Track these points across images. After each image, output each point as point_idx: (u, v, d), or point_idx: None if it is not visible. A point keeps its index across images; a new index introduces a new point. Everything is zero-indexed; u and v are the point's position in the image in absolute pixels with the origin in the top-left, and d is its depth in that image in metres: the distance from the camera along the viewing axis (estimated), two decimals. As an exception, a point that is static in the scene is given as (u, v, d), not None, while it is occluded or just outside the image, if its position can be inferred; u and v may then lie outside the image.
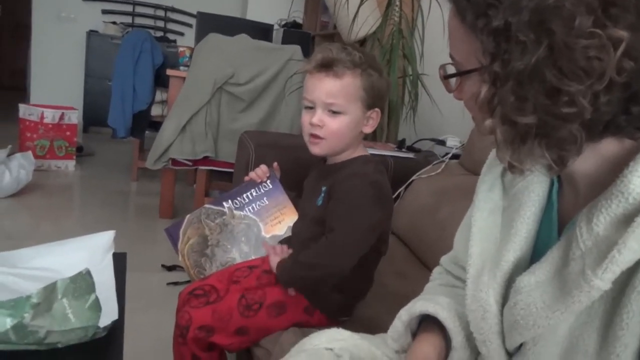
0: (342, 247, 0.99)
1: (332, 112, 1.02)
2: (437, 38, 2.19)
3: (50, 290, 0.69)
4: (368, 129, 1.06)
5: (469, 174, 1.57)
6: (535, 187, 0.62)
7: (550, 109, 0.48)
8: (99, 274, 0.80)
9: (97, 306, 0.72)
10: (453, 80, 0.59)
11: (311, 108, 1.03)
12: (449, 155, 1.74)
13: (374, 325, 0.89)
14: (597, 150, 0.53)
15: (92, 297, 0.71)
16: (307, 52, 2.77)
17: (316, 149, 1.06)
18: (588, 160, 0.54)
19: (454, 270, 0.81)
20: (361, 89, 1.01)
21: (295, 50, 2.61)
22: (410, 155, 1.86)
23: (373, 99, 1.03)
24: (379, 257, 1.12)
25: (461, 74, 0.56)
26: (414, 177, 1.68)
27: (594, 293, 0.49)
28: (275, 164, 1.30)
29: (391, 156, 1.76)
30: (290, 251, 1.12)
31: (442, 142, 1.92)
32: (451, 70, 0.59)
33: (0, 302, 0.66)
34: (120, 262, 1.00)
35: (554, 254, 0.55)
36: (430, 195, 1.55)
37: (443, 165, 1.67)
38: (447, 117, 2.24)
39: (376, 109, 1.05)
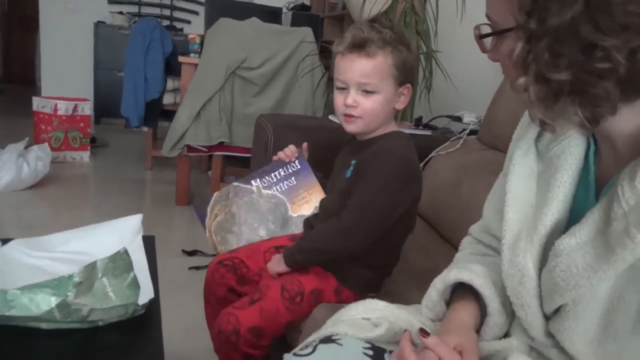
0: (352, 229, 1.00)
1: (366, 92, 1.03)
2: (450, 14, 2.17)
3: (90, 270, 0.70)
4: (400, 105, 1.08)
5: (488, 149, 1.57)
6: (572, 151, 0.62)
7: (584, 65, 0.47)
8: (131, 255, 0.82)
9: (135, 284, 0.73)
10: (488, 41, 0.59)
11: (344, 89, 1.05)
12: (467, 131, 1.73)
13: (403, 300, 0.90)
14: (637, 109, 0.53)
15: (131, 275, 0.73)
16: (317, 34, 2.75)
17: (352, 127, 1.07)
18: (627, 120, 0.54)
19: (485, 239, 0.81)
20: (393, 67, 1.02)
21: (307, 32, 2.60)
22: (428, 132, 1.86)
23: (405, 75, 1.04)
24: (406, 233, 1.13)
25: (497, 33, 0.56)
26: (432, 154, 1.68)
27: (639, 250, 0.49)
28: (304, 144, 1.30)
29: (409, 134, 1.75)
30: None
31: (458, 119, 1.91)
32: (486, 30, 0.59)
33: (44, 282, 0.68)
34: (149, 244, 1.01)
35: (594, 214, 0.55)
36: (450, 171, 1.54)
37: (461, 142, 1.66)
38: (462, 93, 2.22)
39: (407, 85, 1.06)
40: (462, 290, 0.73)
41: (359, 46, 1.01)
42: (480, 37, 0.59)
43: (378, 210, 1.00)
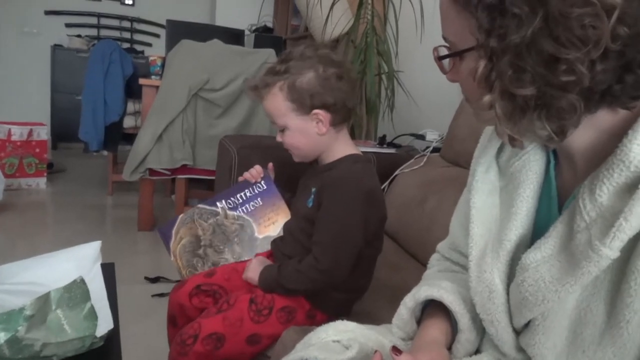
0: (331, 269, 0.99)
1: (281, 129, 1.06)
2: (410, 35, 2.22)
3: (43, 301, 0.66)
4: (322, 130, 1.04)
5: (451, 165, 1.59)
6: (532, 165, 0.63)
7: (549, 78, 0.48)
8: (89, 284, 0.78)
9: (93, 315, 0.69)
10: (447, 62, 0.59)
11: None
12: (430, 149, 1.75)
13: (374, 319, 0.89)
14: (593, 122, 0.54)
15: (88, 305, 0.69)
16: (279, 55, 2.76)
17: (295, 159, 1.11)
18: (584, 133, 0.55)
19: (452, 256, 0.81)
20: (285, 101, 1.02)
21: (270, 53, 2.60)
22: (392, 150, 1.87)
23: (304, 102, 1.01)
24: (376, 254, 1.12)
25: (456, 54, 0.57)
26: (397, 172, 1.69)
27: (603, 262, 0.50)
28: (270, 164, 1.29)
29: (373, 152, 1.76)
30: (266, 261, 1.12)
31: (421, 137, 1.94)
32: (445, 52, 0.59)
33: (-8, 316, 0.64)
34: (109, 272, 0.97)
35: (558, 228, 0.56)
36: (415, 188, 1.56)
37: (425, 159, 1.68)
38: (424, 111, 2.26)
39: (315, 111, 1.02)
40: (432, 308, 0.72)
41: (254, 90, 1.05)
42: (439, 59, 0.60)
43: (349, 240, 1.00)
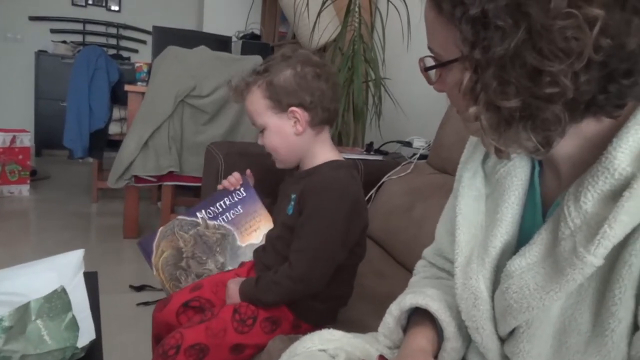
0: (306, 277, 0.98)
1: (261, 131, 1.06)
2: (397, 42, 2.24)
3: (23, 312, 0.65)
4: (299, 129, 1.03)
5: (438, 172, 1.60)
6: (517, 172, 0.63)
7: (533, 90, 0.48)
8: (71, 293, 0.77)
9: (74, 325, 0.68)
10: (433, 73, 0.60)
11: None
12: (417, 156, 1.76)
13: (360, 327, 0.89)
14: (578, 131, 0.54)
15: (69, 316, 0.68)
16: (267, 62, 2.76)
17: (277, 164, 1.09)
18: (569, 141, 0.55)
19: (438, 262, 0.81)
20: (263, 99, 1.02)
21: (257, 60, 2.59)
22: (379, 157, 1.87)
23: (281, 100, 1.01)
24: (357, 262, 1.12)
25: (442, 65, 0.57)
26: (384, 179, 1.69)
27: (587, 270, 0.50)
28: (248, 170, 1.28)
29: (360, 159, 1.77)
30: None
31: (408, 144, 1.94)
32: (431, 62, 0.59)
33: (-31, 328, 0.62)
34: (92, 281, 0.96)
35: (542, 235, 0.56)
36: (402, 195, 1.56)
37: (412, 166, 1.69)
38: (411, 118, 2.27)
39: (291, 108, 1.02)
40: (418, 316, 0.72)
41: (236, 92, 1.06)
42: (425, 70, 0.60)
43: (328, 250, 0.99)
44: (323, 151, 1.07)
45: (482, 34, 0.49)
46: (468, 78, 0.52)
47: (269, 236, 1.15)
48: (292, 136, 1.03)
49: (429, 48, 0.59)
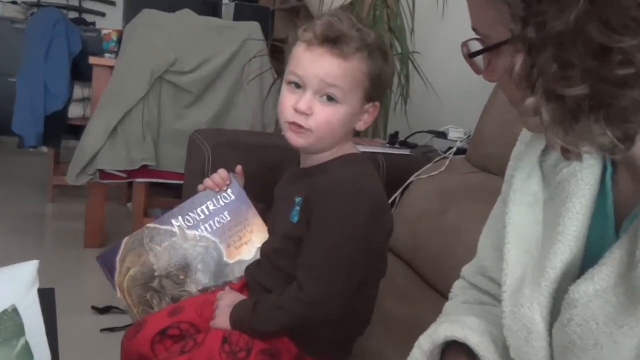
0: (321, 302, 0.98)
1: (328, 99, 1.01)
2: (430, 8, 2.23)
3: (-36, 337, 0.65)
4: (362, 126, 1.06)
5: (479, 171, 1.60)
6: (584, 174, 0.62)
7: (602, 73, 0.48)
8: (23, 314, 0.78)
9: (28, 353, 0.69)
10: (481, 59, 0.60)
11: (298, 87, 1.02)
12: (453, 150, 1.76)
13: (380, 362, 0.89)
14: None
15: (22, 341, 0.69)
16: (267, 31, 2.77)
17: (300, 140, 1.03)
18: None
19: (481, 283, 0.81)
20: (367, 77, 1.02)
21: (254, 28, 2.61)
22: (406, 151, 1.87)
23: (376, 90, 1.04)
24: (379, 278, 1.12)
25: (489, 49, 0.57)
26: (412, 179, 1.69)
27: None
28: (238, 167, 1.28)
29: (382, 154, 1.76)
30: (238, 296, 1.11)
31: (442, 135, 1.94)
32: (476, 46, 0.59)
33: None
34: (48, 299, 0.97)
35: (615, 255, 0.56)
36: (433, 199, 1.56)
37: (447, 163, 1.69)
38: (447, 103, 2.26)
39: (376, 103, 1.05)
40: (454, 350, 0.72)
41: (332, 41, 0.99)
42: (469, 56, 0.60)
43: (347, 265, 0.99)
44: (344, 146, 1.08)
45: (535, 7, 0.49)
46: (521, 62, 0.52)
47: (265, 250, 1.15)
48: (347, 128, 1.05)
49: (474, 29, 0.59)
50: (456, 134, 1.88)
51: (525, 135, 0.73)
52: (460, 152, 1.74)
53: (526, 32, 0.50)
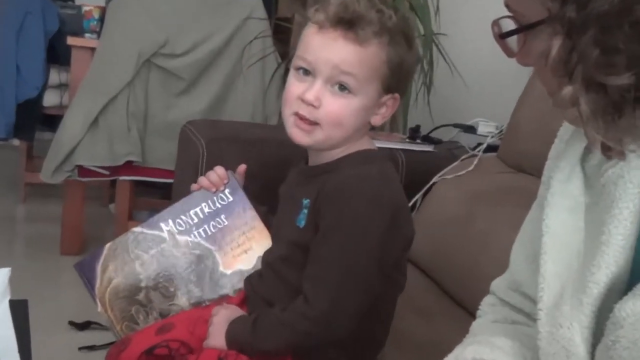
0: (330, 317, 0.98)
1: (341, 88, 1.01)
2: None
3: None
4: (378, 120, 1.06)
5: (513, 171, 1.60)
6: (632, 176, 0.62)
7: None
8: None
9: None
10: (514, 40, 0.60)
11: (307, 74, 1.02)
12: (482, 147, 1.76)
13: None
14: None
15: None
16: (270, 9, 2.76)
17: (305, 138, 1.04)
18: None
19: (513, 299, 0.82)
20: (386, 65, 1.01)
21: (255, 5, 2.61)
22: (429, 148, 1.88)
23: (397, 80, 1.04)
24: (396, 294, 1.12)
25: (523, 29, 0.58)
26: (435, 179, 1.69)
27: None
28: (242, 166, 1.28)
29: (401, 150, 1.76)
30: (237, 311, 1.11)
31: (470, 129, 1.95)
32: (509, 25, 0.60)
33: None
34: (20, 312, 0.98)
35: (667, 268, 0.56)
36: (460, 203, 1.56)
37: (475, 161, 1.69)
38: (476, 93, 2.26)
39: (395, 95, 1.05)
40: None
41: (347, 23, 0.99)
42: (501, 37, 0.60)
43: (360, 277, 0.99)
44: (357, 142, 1.08)
45: None
46: (558, 46, 0.52)
47: (268, 258, 1.15)
48: (362, 122, 1.05)
49: (506, 5, 0.60)
50: (486, 128, 1.89)
51: (565, 131, 0.73)
52: (491, 148, 1.74)
53: (565, 10, 0.51)
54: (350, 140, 1.07)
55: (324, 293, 0.99)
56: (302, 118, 1.02)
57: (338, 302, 0.99)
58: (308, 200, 1.06)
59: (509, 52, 0.62)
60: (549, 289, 0.65)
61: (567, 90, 0.53)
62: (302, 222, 1.06)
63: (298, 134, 1.04)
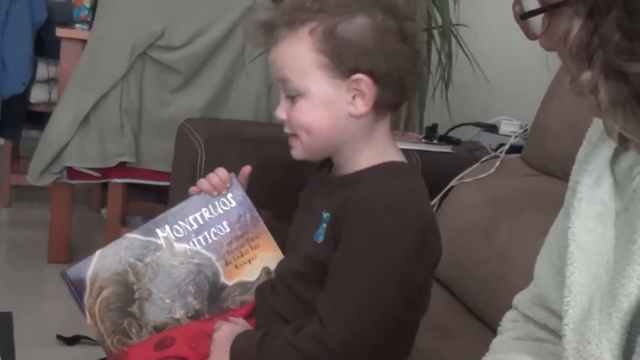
0: (349, 345, 0.98)
1: (291, 97, 1.05)
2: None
3: None
4: (358, 109, 1.03)
5: (538, 174, 1.59)
6: (666, 179, 0.63)
7: None
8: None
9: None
10: (537, 22, 0.60)
11: None
12: (505, 148, 1.76)
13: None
14: None
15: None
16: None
17: (294, 153, 1.08)
18: None
19: (538, 314, 0.81)
20: (314, 52, 1.02)
21: (261, -8, 2.61)
22: (446, 148, 1.88)
23: (345, 59, 1.02)
24: (418, 317, 1.12)
25: (545, 9, 0.58)
26: (453, 182, 1.69)
27: None
28: (246, 168, 1.27)
29: (417, 151, 1.76)
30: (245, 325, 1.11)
31: (492, 128, 1.94)
32: (532, 5, 0.60)
33: None
34: (4, 326, 0.98)
35: None
36: (480, 209, 1.56)
37: (497, 163, 1.69)
38: (498, 88, 2.26)
39: (357, 75, 1.02)
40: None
41: (265, 31, 1.05)
42: (522, 17, 0.60)
43: (384, 305, 0.99)
44: (376, 146, 1.08)
45: None
46: (579, 27, 0.53)
47: (282, 271, 1.15)
48: (345, 116, 1.04)
49: None
50: (509, 127, 1.88)
51: (593, 132, 0.73)
52: (515, 149, 1.74)
53: None
54: (357, 148, 1.07)
55: (341, 319, 0.98)
56: (289, 135, 1.08)
57: (357, 330, 0.98)
58: (328, 214, 1.06)
59: (530, 35, 0.62)
60: (575, 303, 0.65)
61: (586, 75, 0.53)
62: (320, 237, 1.06)
63: (292, 152, 1.09)
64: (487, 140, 1.97)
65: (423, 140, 1.94)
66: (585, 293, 0.65)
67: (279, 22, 1.04)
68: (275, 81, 1.08)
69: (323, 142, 1.06)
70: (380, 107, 1.05)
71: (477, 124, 2.03)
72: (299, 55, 1.03)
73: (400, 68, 1.03)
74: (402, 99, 1.08)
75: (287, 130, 1.07)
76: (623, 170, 0.68)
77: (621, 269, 0.63)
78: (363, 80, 1.02)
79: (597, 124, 0.72)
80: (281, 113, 1.06)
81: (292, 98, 1.04)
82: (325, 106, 1.04)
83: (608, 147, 0.69)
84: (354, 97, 1.03)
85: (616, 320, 0.62)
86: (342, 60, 1.02)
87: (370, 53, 1.01)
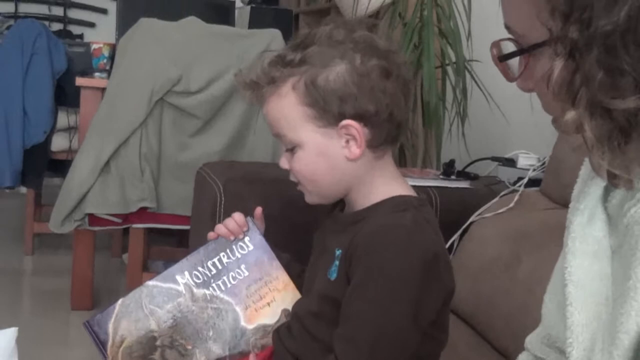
0: None
1: (290, 149, 1.08)
2: (489, 6, 2.24)
3: None
4: (354, 153, 1.05)
5: (559, 207, 1.58)
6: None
7: None
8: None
9: None
10: (515, 63, 0.62)
11: None
12: (524, 181, 1.75)
13: None
14: None
15: None
16: (290, 39, 2.80)
17: (307, 198, 1.13)
18: None
19: (549, 355, 0.81)
20: (301, 106, 1.04)
21: (274, 36, 2.63)
22: (464, 184, 1.88)
23: (330, 108, 1.04)
24: (437, 351, 1.12)
25: (523, 51, 0.59)
26: (473, 218, 1.69)
27: None
28: (258, 210, 1.29)
29: (435, 187, 1.77)
30: None
31: (510, 162, 1.94)
32: (509, 48, 0.61)
33: None
34: (29, 374, 0.99)
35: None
36: (501, 244, 1.55)
37: (516, 197, 1.69)
38: (514, 123, 2.26)
39: (345, 122, 1.04)
40: None
41: (253, 89, 1.08)
42: (500, 60, 0.62)
43: (397, 340, 1.00)
44: (383, 181, 1.09)
45: (578, 1, 0.51)
46: (561, 66, 0.53)
47: (298, 312, 1.15)
48: (342, 161, 1.06)
49: (506, 27, 0.61)
50: (527, 161, 1.88)
51: (586, 170, 0.73)
52: (533, 183, 1.74)
53: (568, 30, 0.52)
54: (366, 185, 1.09)
55: (355, 355, 0.99)
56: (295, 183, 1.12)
57: None
58: (340, 251, 1.07)
59: (509, 76, 0.63)
60: (577, 343, 0.65)
61: (570, 115, 0.54)
62: (333, 274, 1.07)
63: (305, 197, 1.13)
64: (505, 174, 1.96)
65: (441, 177, 1.94)
66: (587, 332, 0.65)
67: (262, 80, 1.06)
68: (273, 136, 1.12)
69: (328, 187, 1.10)
70: (376, 145, 1.06)
71: (494, 159, 2.03)
72: (286, 110, 1.05)
73: (389, 105, 1.04)
74: (398, 133, 1.09)
75: (292, 179, 1.11)
76: (615, 207, 0.68)
77: (619, 306, 0.63)
78: (351, 125, 1.04)
79: (587, 164, 0.73)
80: (284, 164, 1.10)
81: (291, 149, 1.07)
82: (321, 155, 1.06)
83: (598, 185, 0.70)
84: (347, 142, 1.05)
85: (617, 358, 0.61)
86: (327, 110, 1.04)
87: (354, 97, 1.03)
